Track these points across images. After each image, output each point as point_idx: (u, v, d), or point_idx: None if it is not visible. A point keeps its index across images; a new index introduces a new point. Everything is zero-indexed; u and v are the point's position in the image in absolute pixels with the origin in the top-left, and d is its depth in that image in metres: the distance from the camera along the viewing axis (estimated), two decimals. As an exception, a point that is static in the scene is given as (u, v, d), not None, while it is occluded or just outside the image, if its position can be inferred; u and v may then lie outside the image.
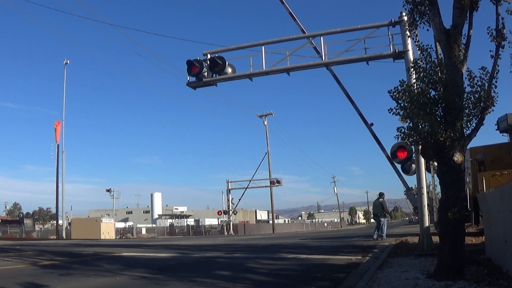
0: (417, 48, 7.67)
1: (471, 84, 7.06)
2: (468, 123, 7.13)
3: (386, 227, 19.32)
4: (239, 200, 55.30)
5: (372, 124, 13.27)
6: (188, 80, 14.14)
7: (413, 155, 11.77)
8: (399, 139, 7.64)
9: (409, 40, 11.56)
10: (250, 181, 53.54)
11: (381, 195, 19.42)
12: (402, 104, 7.23)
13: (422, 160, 11.33)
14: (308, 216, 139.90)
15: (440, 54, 7.62)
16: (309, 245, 17.28)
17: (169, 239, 38.36)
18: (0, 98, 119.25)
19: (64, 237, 42.74)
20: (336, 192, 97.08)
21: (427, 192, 11.89)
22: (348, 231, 46.19)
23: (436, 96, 7.18)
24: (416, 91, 7.27)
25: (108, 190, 72.30)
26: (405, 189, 12.79)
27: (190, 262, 12.53)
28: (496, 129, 17.71)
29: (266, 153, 54.38)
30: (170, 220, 76.61)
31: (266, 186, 52.69)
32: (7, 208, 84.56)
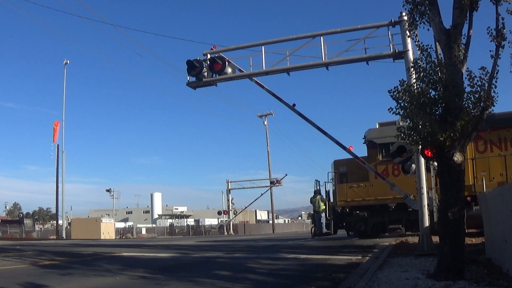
0: (417, 48, 7.67)
1: (471, 84, 7.05)
2: (468, 123, 7.12)
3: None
4: (246, 207, 55.49)
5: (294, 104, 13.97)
6: (188, 80, 14.13)
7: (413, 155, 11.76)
8: (399, 139, 7.64)
9: (409, 40, 11.56)
10: (250, 181, 53.53)
11: (316, 193, 20.05)
12: (402, 104, 7.23)
13: (422, 160, 11.32)
14: (308, 216, 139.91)
15: (440, 54, 7.61)
16: (309, 245, 17.28)
17: (169, 239, 38.37)
18: (1, 98, 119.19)
19: (64, 237, 42.73)
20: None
21: (427, 192, 11.88)
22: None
23: (436, 96, 7.18)
24: (416, 91, 7.27)
25: (108, 190, 72.36)
26: (403, 196, 12.79)
27: (190, 262, 12.53)
28: (363, 143, 18.68)
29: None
30: (170, 220, 76.63)
31: (266, 186, 52.67)
32: (7, 208, 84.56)
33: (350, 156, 16.46)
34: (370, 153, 17.87)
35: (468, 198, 16.13)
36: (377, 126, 18.71)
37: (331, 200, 19.66)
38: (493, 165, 16.25)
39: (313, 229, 20.91)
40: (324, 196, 19.99)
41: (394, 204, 17.24)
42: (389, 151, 16.22)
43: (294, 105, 14.15)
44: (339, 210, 18.54)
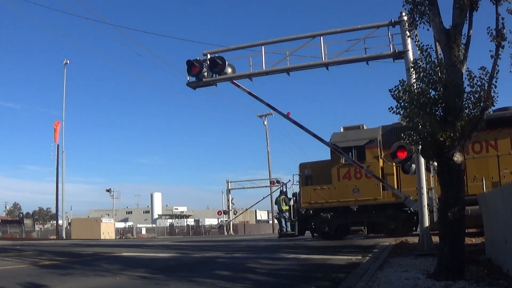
0: (417, 48, 7.67)
1: (471, 84, 7.05)
2: (468, 123, 7.12)
3: None
4: (247, 209, 55.54)
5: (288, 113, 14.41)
6: (188, 80, 14.13)
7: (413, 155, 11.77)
8: (395, 140, 7.64)
9: (409, 40, 11.55)
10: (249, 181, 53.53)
11: (281, 193, 20.48)
12: (402, 104, 7.23)
13: (422, 160, 11.32)
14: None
15: (440, 54, 7.61)
16: (309, 245, 17.27)
17: (169, 239, 38.37)
18: (2, 98, 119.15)
19: (64, 237, 42.73)
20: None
21: (427, 192, 11.88)
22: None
23: (436, 96, 7.18)
24: (416, 91, 7.27)
25: (108, 190, 72.37)
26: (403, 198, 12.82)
27: (190, 262, 12.54)
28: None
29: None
30: (170, 220, 76.62)
31: (266, 186, 52.62)
32: (7, 208, 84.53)
33: (316, 160, 18.03)
34: (333, 157, 18.22)
35: None
36: (342, 130, 19.04)
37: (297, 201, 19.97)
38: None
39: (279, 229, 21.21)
40: (292, 198, 20.10)
41: (356, 206, 17.56)
42: (350, 155, 17.45)
43: (288, 113, 14.46)
44: (303, 212, 18.84)
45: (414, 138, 7.35)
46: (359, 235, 18.56)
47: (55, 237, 43.28)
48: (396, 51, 12.11)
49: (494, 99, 7.05)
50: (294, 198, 19.70)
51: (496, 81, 7.04)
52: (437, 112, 7.17)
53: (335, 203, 18.00)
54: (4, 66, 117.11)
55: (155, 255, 14.83)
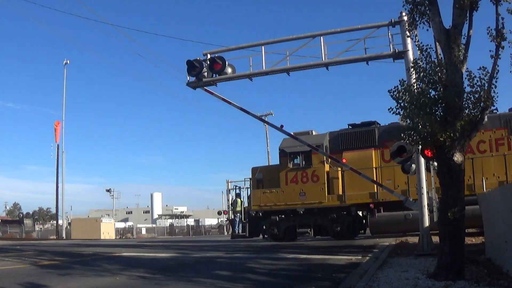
0: (417, 49, 7.67)
1: (471, 84, 7.05)
2: (468, 123, 7.12)
3: None
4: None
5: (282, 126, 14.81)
6: (188, 80, 14.13)
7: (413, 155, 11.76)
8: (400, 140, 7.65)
9: (409, 40, 11.55)
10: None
11: (237, 196, 21.02)
12: (402, 104, 7.23)
13: (422, 160, 11.32)
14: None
15: (440, 54, 7.61)
16: (309, 245, 17.27)
17: (169, 239, 38.36)
18: (2, 98, 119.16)
19: (64, 237, 42.73)
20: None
21: (427, 192, 11.88)
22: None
23: (436, 96, 7.18)
24: (416, 91, 7.27)
25: (108, 190, 72.38)
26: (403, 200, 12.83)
27: (190, 262, 12.54)
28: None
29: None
30: (170, 220, 76.59)
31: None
32: (7, 208, 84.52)
33: (266, 164, 17.71)
34: (282, 161, 19.00)
35: (372, 205, 17.40)
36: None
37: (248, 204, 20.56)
38: (398, 173, 16.72)
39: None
40: (245, 201, 20.70)
41: (303, 210, 18.16)
42: (298, 160, 18.51)
43: (281, 126, 14.75)
44: (253, 214, 19.43)
45: (414, 138, 7.35)
46: (306, 237, 19.10)
47: (55, 237, 43.27)
48: (396, 51, 12.10)
49: (494, 99, 7.06)
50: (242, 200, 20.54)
51: (496, 81, 7.05)
52: (437, 112, 7.17)
53: (283, 206, 18.60)
54: (4, 66, 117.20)
55: (155, 255, 14.82)
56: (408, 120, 7.38)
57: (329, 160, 17.98)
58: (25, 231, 46.02)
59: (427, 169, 12.04)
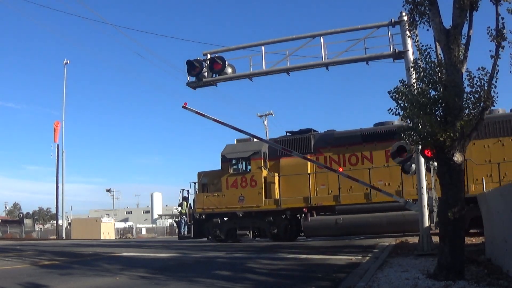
0: (417, 49, 7.67)
1: (471, 84, 7.05)
2: (468, 123, 7.12)
3: None
4: None
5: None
6: (188, 80, 14.13)
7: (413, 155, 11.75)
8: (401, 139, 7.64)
9: (409, 40, 11.54)
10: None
11: (184, 199, 21.85)
12: (402, 104, 7.23)
13: (422, 160, 11.32)
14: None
15: (440, 54, 7.61)
16: (309, 245, 17.27)
17: (169, 239, 38.35)
18: (3, 99, 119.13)
19: (64, 237, 42.72)
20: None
21: (427, 192, 11.87)
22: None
23: (436, 96, 7.18)
24: (416, 91, 7.27)
25: (108, 190, 72.36)
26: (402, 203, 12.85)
27: (190, 262, 12.53)
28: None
29: None
30: (170, 220, 76.53)
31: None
32: (7, 208, 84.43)
33: (213, 168, 19.98)
34: (223, 167, 20.05)
35: (305, 209, 18.31)
36: (235, 142, 20.75)
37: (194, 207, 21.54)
38: (332, 179, 18.23)
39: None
40: (192, 204, 21.53)
41: (242, 213, 19.19)
42: (237, 165, 19.55)
43: (282, 148, 15.42)
44: (197, 217, 20.46)
45: (414, 138, 7.35)
46: (246, 239, 19.87)
47: (55, 237, 43.26)
48: (396, 51, 12.10)
49: (494, 99, 7.05)
50: (189, 203, 21.47)
51: (496, 81, 7.05)
52: (437, 112, 7.17)
53: (224, 209, 19.66)
54: (5, 66, 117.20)
55: (155, 255, 14.82)
56: (408, 120, 7.38)
57: (268, 165, 19.30)
58: (25, 231, 45.99)
59: (427, 169, 12.04)
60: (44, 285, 8.47)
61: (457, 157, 7.11)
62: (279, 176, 18.96)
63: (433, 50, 7.48)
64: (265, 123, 45.59)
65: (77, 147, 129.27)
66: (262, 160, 19.33)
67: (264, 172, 19.27)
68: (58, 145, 44.55)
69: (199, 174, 21.18)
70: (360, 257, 11.14)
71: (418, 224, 15.85)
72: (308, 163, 18.23)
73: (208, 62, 13.82)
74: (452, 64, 7.20)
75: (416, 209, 11.83)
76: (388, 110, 7.40)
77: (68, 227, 48.22)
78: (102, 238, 41.55)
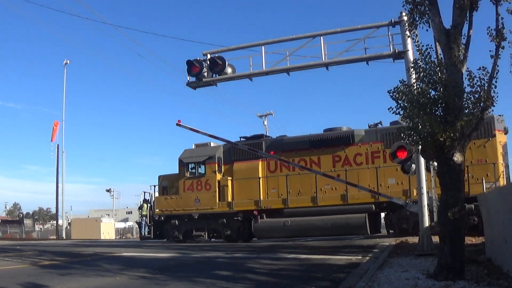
0: (417, 49, 7.67)
1: (471, 84, 7.06)
2: (468, 123, 7.12)
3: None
4: None
5: None
6: (188, 80, 14.13)
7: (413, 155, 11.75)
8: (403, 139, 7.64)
9: (409, 40, 11.54)
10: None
11: (145, 201, 22.68)
12: (402, 104, 7.23)
13: (422, 160, 11.32)
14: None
15: (440, 54, 7.62)
16: (309, 245, 17.28)
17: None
18: (3, 99, 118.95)
19: (64, 237, 42.69)
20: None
21: (427, 192, 11.86)
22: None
23: (436, 96, 7.18)
24: (416, 91, 7.27)
25: (108, 190, 72.24)
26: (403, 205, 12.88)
27: (190, 262, 12.54)
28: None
29: None
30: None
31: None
32: (7, 208, 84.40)
33: (171, 172, 20.99)
34: (180, 170, 20.98)
35: (255, 212, 19.08)
36: (193, 147, 21.59)
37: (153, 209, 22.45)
38: (282, 183, 19.07)
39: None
40: (152, 206, 22.32)
41: (197, 215, 20.17)
42: (193, 169, 20.49)
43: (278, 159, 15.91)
44: (156, 218, 21.40)
45: (414, 138, 7.35)
46: (202, 240, 20.85)
47: (55, 237, 43.24)
48: (396, 51, 12.10)
49: (494, 99, 7.06)
50: (150, 205, 22.38)
51: (496, 81, 7.05)
52: (437, 112, 7.17)
53: (181, 211, 20.60)
54: (5, 66, 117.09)
55: (155, 255, 14.82)
56: (408, 120, 7.38)
57: (223, 169, 20.28)
58: (25, 231, 45.98)
59: (427, 169, 12.04)
60: (44, 285, 8.48)
61: (457, 157, 7.11)
62: (232, 180, 19.90)
63: (433, 50, 7.49)
64: (265, 123, 45.62)
65: (77, 147, 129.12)
66: (217, 165, 20.23)
67: (218, 176, 20.20)
68: (58, 145, 44.55)
69: (160, 177, 22.10)
70: (360, 257, 11.14)
71: (360, 228, 16.72)
72: (260, 167, 19.43)
73: (208, 62, 13.82)
74: (452, 64, 7.20)
75: (416, 210, 11.82)
76: (388, 109, 7.42)
77: (68, 227, 48.19)
78: (102, 238, 41.55)
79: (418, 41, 7.80)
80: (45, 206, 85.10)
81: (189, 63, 13.78)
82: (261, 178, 19.38)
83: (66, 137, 54.68)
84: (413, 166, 12.02)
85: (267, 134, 20.43)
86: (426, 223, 11.32)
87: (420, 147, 7.76)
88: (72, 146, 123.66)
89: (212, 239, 20.71)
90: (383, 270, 8.42)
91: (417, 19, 7.79)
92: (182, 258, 13.63)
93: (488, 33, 7.13)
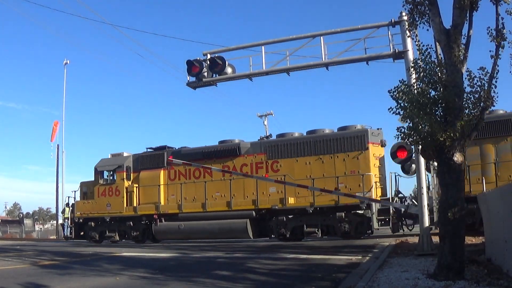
0: (417, 49, 7.67)
1: (471, 84, 7.06)
2: (468, 123, 7.12)
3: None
4: None
5: None
6: (188, 80, 14.13)
7: (413, 155, 11.75)
8: (399, 139, 7.64)
9: (409, 40, 11.54)
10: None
11: (67, 205, 24.95)
12: (402, 104, 7.23)
13: (422, 160, 11.32)
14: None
15: (440, 54, 7.62)
16: (309, 245, 17.27)
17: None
18: (4, 99, 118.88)
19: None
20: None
21: (427, 192, 11.87)
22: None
23: (436, 96, 7.18)
24: (416, 91, 7.27)
25: (108, 190, 72.10)
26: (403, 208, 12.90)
27: (190, 262, 12.54)
28: None
29: None
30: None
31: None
32: (7, 208, 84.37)
33: (93, 179, 23.17)
34: (95, 178, 23.15)
35: (155, 216, 20.85)
36: (109, 156, 23.71)
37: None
38: (179, 190, 20.69)
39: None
40: (73, 209, 24.26)
41: (109, 218, 22.17)
42: (106, 177, 22.81)
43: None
44: (76, 220, 23.51)
45: (414, 138, 7.35)
46: (113, 240, 22.57)
47: (55, 237, 43.27)
48: (396, 51, 12.10)
49: (494, 99, 7.06)
50: (71, 208, 24.35)
51: (496, 81, 7.05)
52: (437, 112, 7.17)
53: (96, 214, 22.73)
54: (5, 66, 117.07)
55: (155, 255, 14.83)
56: (408, 120, 7.38)
57: (132, 177, 22.18)
58: (25, 231, 45.95)
59: (427, 169, 12.04)
60: (44, 285, 8.48)
61: (457, 157, 7.11)
62: (138, 187, 21.91)
63: (433, 50, 7.49)
64: (265, 123, 45.58)
65: (77, 147, 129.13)
66: (125, 173, 22.30)
67: (127, 183, 22.25)
68: (58, 145, 44.54)
69: (81, 183, 24.37)
70: (360, 257, 11.13)
71: (243, 232, 18.22)
72: (161, 176, 21.26)
73: (208, 62, 13.82)
74: (452, 64, 7.20)
75: (415, 211, 11.83)
76: (388, 110, 7.42)
77: (68, 227, 48.19)
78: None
79: (418, 41, 7.80)
80: (45, 206, 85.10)
81: (189, 63, 13.79)
82: (162, 185, 21.27)
83: (66, 137, 54.69)
84: (413, 166, 12.03)
85: (169, 146, 22.50)
86: (426, 223, 11.32)
87: (420, 147, 7.76)
88: (72, 146, 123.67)
89: (123, 240, 22.66)
90: (383, 270, 8.42)
91: (417, 19, 7.79)
92: (182, 258, 13.64)
93: (488, 33, 7.13)
